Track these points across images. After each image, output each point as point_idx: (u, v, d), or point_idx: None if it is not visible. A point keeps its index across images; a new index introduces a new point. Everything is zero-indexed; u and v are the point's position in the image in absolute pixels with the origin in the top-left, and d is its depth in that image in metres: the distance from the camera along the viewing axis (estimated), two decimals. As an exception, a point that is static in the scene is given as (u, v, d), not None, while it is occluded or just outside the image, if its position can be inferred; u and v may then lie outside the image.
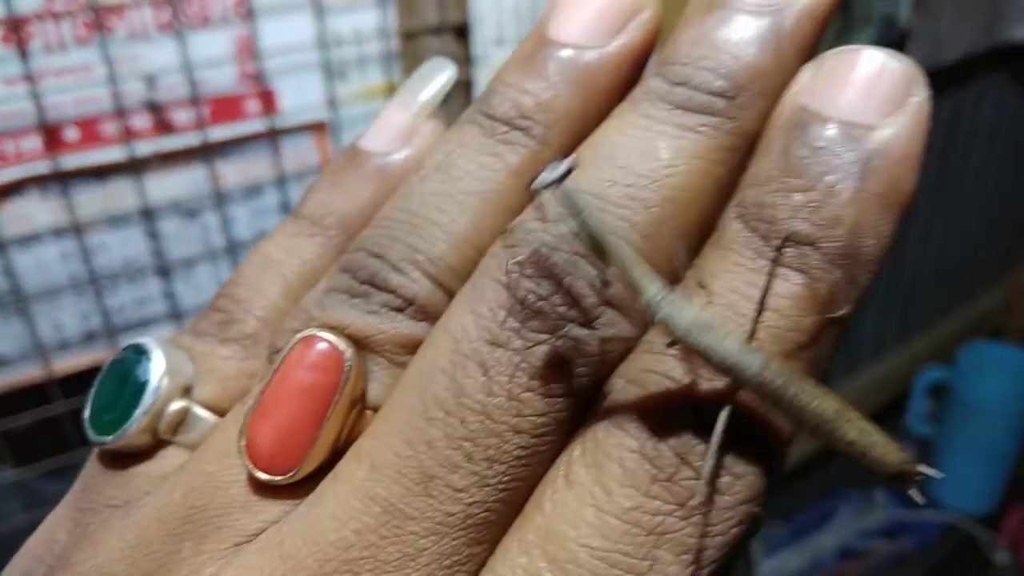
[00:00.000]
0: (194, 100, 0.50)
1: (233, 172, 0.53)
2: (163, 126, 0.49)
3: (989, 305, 1.37)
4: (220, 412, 0.19)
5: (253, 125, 0.52)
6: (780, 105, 0.17)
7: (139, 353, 0.19)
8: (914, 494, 0.16)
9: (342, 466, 0.16)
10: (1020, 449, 1.18)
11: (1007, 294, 1.38)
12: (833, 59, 0.16)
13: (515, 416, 0.15)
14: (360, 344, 0.17)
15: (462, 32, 0.57)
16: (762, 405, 0.16)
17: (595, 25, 0.18)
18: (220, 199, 0.53)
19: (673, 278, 0.16)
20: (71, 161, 0.47)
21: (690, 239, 0.17)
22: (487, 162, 0.17)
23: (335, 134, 0.55)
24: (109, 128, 0.48)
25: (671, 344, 0.16)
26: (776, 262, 0.15)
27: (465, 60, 0.58)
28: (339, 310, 0.17)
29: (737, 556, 0.15)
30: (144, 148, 0.49)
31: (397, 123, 0.20)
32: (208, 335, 0.19)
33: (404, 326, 0.17)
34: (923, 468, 0.16)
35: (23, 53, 0.45)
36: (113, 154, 0.48)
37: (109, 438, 0.18)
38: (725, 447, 0.15)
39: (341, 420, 0.16)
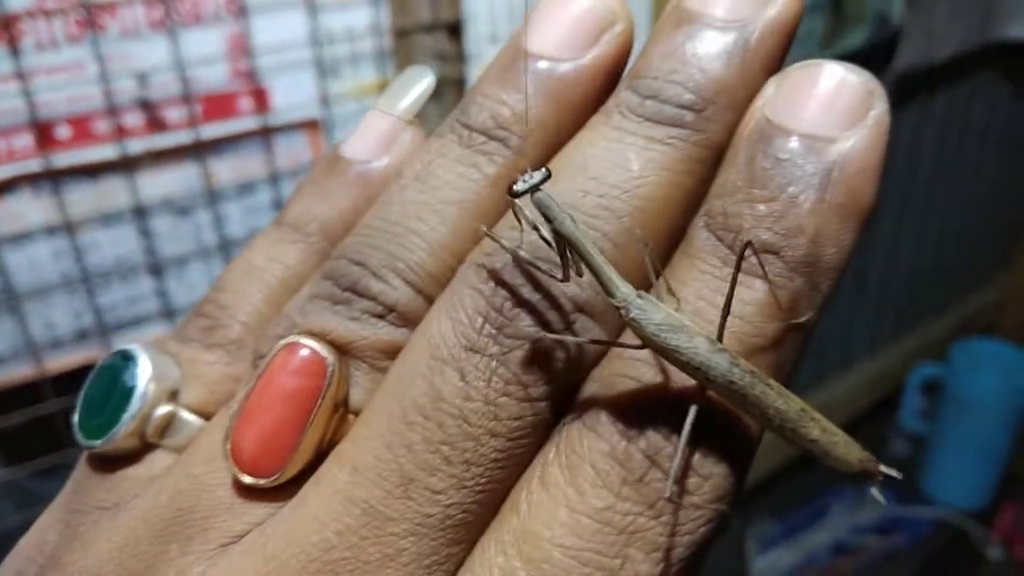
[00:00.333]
0: (186, 98, 0.50)
1: (226, 170, 0.53)
2: (155, 124, 0.49)
3: (982, 303, 1.38)
4: (206, 416, 0.19)
5: (246, 123, 0.52)
6: (746, 118, 0.17)
7: (126, 359, 0.19)
8: (876, 493, 0.16)
9: (324, 469, 0.16)
10: (1012, 445, 1.19)
11: (999, 292, 1.39)
12: (796, 73, 0.17)
13: (492, 420, 0.16)
14: (342, 350, 0.17)
15: (455, 29, 0.57)
16: (729, 405, 0.16)
17: (570, 38, 0.18)
18: (213, 197, 0.53)
19: (644, 285, 0.17)
20: (63, 159, 0.48)
21: (660, 247, 0.17)
22: (465, 172, 0.18)
23: (328, 131, 0.56)
24: (101, 126, 0.48)
25: (641, 346, 0.16)
26: (740, 270, 0.16)
27: (458, 57, 0.58)
28: (321, 316, 0.17)
29: (706, 554, 0.16)
30: (136, 146, 0.49)
31: (378, 130, 0.21)
32: (194, 340, 0.20)
33: (385, 332, 0.17)
34: (884, 468, 0.16)
35: (15, 51, 0.45)
36: (105, 152, 0.49)
37: (98, 442, 0.18)
38: (693, 449, 0.15)
39: (324, 424, 0.17)
